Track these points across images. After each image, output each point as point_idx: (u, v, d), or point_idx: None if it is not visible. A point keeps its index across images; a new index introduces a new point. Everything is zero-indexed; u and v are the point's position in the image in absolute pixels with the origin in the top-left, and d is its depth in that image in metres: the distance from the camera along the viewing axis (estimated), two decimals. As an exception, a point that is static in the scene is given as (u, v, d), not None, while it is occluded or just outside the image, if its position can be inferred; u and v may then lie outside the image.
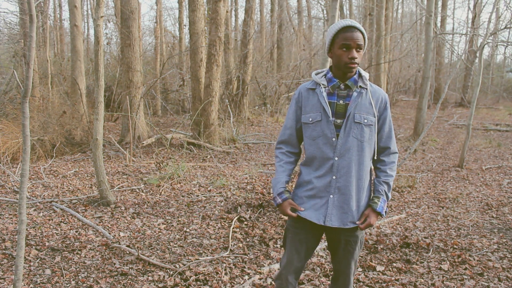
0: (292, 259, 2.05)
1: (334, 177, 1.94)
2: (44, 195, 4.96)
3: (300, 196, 2.02)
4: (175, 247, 3.64)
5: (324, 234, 2.10)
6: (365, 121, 1.93)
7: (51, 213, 4.39)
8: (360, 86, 1.96)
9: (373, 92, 1.99)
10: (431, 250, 3.57)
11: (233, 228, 4.05)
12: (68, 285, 2.92)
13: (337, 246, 2.03)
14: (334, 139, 1.93)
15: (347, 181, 1.94)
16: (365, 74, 1.98)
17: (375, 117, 1.96)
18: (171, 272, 3.12)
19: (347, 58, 1.88)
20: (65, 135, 7.91)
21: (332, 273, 2.18)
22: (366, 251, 3.58)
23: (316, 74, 2.05)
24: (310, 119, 1.97)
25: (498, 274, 3.12)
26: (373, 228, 4.15)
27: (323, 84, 1.97)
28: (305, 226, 2.01)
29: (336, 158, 1.93)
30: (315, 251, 3.34)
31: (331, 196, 1.94)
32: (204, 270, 3.13)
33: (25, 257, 3.26)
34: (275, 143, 9.17)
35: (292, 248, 2.05)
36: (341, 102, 1.95)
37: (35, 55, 9.98)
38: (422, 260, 3.38)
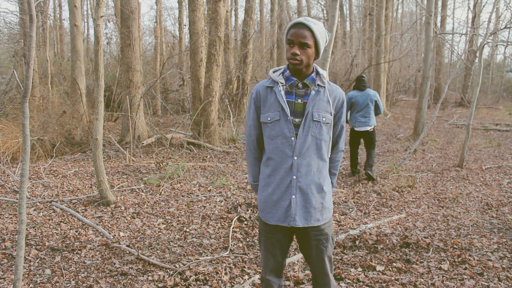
0: (268, 261, 2.08)
1: (294, 177, 1.93)
2: (44, 195, 4.96)
3: (264, 200, 2.01)
4: (175, 247, 3.64)
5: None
6: (323, 119, 1.94)
7: (51, 213, 4.39)
8: (318, 85, 1.96)
9: (331, 90, 1.99)
10: (431, 250, 3.57)
11: (233, 228, 4.05)
12: (68, 285, 2.92)
13: (308, 247, 2.03)
14: (293, 138, 1.92)
15: (307, 180, 1.94)
16: (323, 72, 1.98)
17: (332, 115, 1.97)
18: (171, 272, 3.12)
19: (289, 54, 1.88)
20: (65, 135, 7.91)
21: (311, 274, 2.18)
22: (366, 251, 3.58)
23: (274, 72, 2.03)
24: (269, 119, 1.96)
25: (498, 274, 3.12)
26: (373, 228, 4.15)
27: (281, 83, 1.96)
28: (274, 229, 2.01)
29: (295, 158, 1.93)
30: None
31: (293, 196, 1.94)
32: (204, 270, 3.13)
33: (25, 257, 3.26)
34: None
35: (267, 252, 2.07)
36: (299, 100, 1.94)
37: (35, 55, 9.98)
38: (422, 260, 3.38)
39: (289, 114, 1.92)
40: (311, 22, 1.88)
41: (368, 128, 6.09)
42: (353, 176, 6.34)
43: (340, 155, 2.13)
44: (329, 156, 2.06)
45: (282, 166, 1.95)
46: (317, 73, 1.98)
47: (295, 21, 1.89)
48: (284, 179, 1.95)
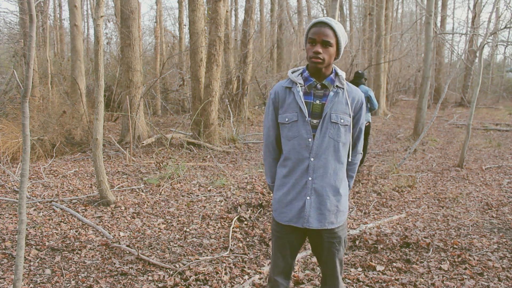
0: (278, 262, 2.06)
1: (310, 178, 1.92)
2: (44, 195, 4.96)
3: (278, 200, 2.01)
4: (175, 247, 3.64)
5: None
6: (342, 121, 1.92)
7: (51, 213, 4.39)
8: (337, 86, 1.94)
9: (350, 91, 1.97)
10: (431, 250, 3.57)
11: (233, 228, 4.05)
12: (68, 285, 2.92)
13: (320, 249, 2.02)
14: (310, 139, 1.91)
15: (323, 182, 1.93)
16: (342, 73, 1.96)
17: (350, 117, 1.95)
18: (171, 272, 3.12)
19: (311, 52, 1.86)
20: (65, 135, 7.91)
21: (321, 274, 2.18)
22: (366, 251, 3.58)
23: (293, 72, 2.02)
24: (287, 119, 1.95)
25: (498, 274, 3.12)
26: (373, 228, 4.15)
27: (299, 83, 1.95)
28: (287, 230, 2.00)
29: (312, 159, 1.91)
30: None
31: (308, 198, 1.93)
32: (204, 270, 3.13)
33: (25, 257, 3.26)
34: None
35: (277, 252, 2.06)
36: (317, 102, 1.92)
37: (35, 55, 9.98)
38: (422, 260, 3.38)
39: (307, 115, 1.91)
40: (333, 22, 1.87)
41: None
42: None
43: (358, 158, 2.10)
44: (349, 159, 2.04)
45: (298, 167, 1.94)
46: (336, 74, 1.96)
47: (317, 20, 1.88)
48: (300, 180, 1.93)
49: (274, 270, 2.08)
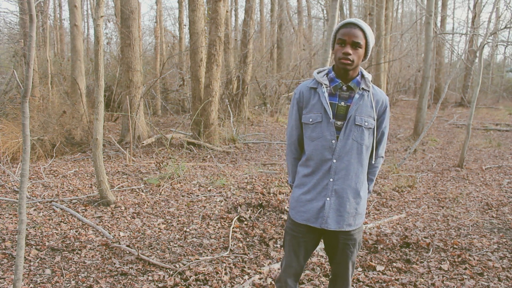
0: (291, 263, 2.04)
1: (331, 180, 1.92)
2: (44, 195, 4.96)
3: (297, 198, 2.00)
4: (175, 247, 3.64)
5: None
6: (366, 124, 1.91)
7: (51, 213, 4.39)
8: (363, 88, 1.92)
9: (375, 94, 1.96)
10: (431, 250, 3.57)
11: (233, 228, 4.05)
12: (68, 285, 2.92)
13: (335, 249, 2.02)
14: (333, 141, 1.90)
15: (344, 184, 1.92)
16: (368, 76, 1.94)
17: (375, 120, 1.94)
18: (171, 272, 3.12)
19: (341, 53, 1.85)
20: (65, 135, 7.91)
21: (330, 274, 2.17)
22: (366, 251, 3.58)
23: (318, 72, 2.01)
24: (311, 120, 1.94)
25: (498, 274, 3.12)
26: (373, 228, 4.15)
27: (325, 84, 1.93)
28: (303, 229, 1.99)
29: (335, 160, 1.91)
30: (315, 251, 3.34)
31: (328, 199, 1.92)
32: (204, 270, 3.13)
33: (25, 257, 3.26)
34: (275, 143, 9.15)
35: (291, 251, 2.04)
36: (342, 103, 1.91)
37: (35, 55, 9.98)
38: (422, 260, 3.38)
39: (331, 117, 1.89)
40: (362, 23, 1.86)
41: None
42: None
43: (379, 161, 2.09)
44: (369, 162, 2.02)
45: (321, 168, 1.93)
46: (362, 76, 1.94)
47: (346, 21, 1.87)
48: (321, 180, 1.93)
49: (287, 271, 2.06)
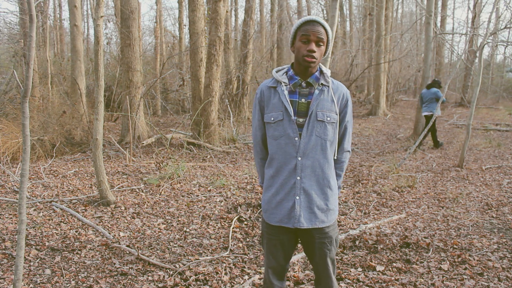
0: (270, 264, 2.05)
1: (298, 178, 1.90)
2: (44, 195, 4.96)
3: (268, 200, 1.99)
4: (175, 247, 3.64)
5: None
6: (328, 119, 1.90)
7: (51, 213, 4.39)
8: (322, 84, 1.93)
9: (335, 88, 1.96)
10: (431, 250, 3.56)
11: (233, 228, 4.05)
12: (68, 285, 2.92)
13: (312, 248, 2.01)
14: (296, 138, 1.89)
15: (312, 181, 1.91)
16: (327, 71, 1.95)
17: (337, 114, 1.93)
18: (171, 272, 3.12)
19: (305, 51, 1.85)
20: (65, 135, 7.91)
21: (314, 275, 2.17)
22: (366, 251, 3.58)
23: (277, 71, 2.00)
24: (272, 119, 1.93)
25: (498, 274, 3.12)
26: (373, 228, 4.15)
27: (284, 82, 1.93)
28: (278, 231, 1.99)
29: (300, 158, 1.89)
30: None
31: (297, 197, 1.91)
32: (204, 270, 3.13)
33: (25, 257, 3.26)
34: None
35: (269, 254, 2.04)
36: (303, 100, 1.91)
37: (35, 55, 9.98)
38: (422, 260, 3.38)
39: (292, 114, 1.89)
40: (323, 20, 1.87)
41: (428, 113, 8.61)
42: (437, 148, 8.86)
43: (345, 156, 2.07)
44: (335, 157, 2.02)
45: (286, 166, 1.92)
46: (321, 71, 1.95)
47: (308, 18, 1.86)
48: (288, 180, 1.92)
49: (268, 272, 2.07)
